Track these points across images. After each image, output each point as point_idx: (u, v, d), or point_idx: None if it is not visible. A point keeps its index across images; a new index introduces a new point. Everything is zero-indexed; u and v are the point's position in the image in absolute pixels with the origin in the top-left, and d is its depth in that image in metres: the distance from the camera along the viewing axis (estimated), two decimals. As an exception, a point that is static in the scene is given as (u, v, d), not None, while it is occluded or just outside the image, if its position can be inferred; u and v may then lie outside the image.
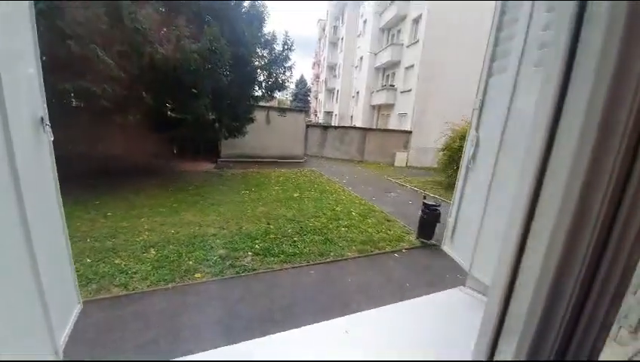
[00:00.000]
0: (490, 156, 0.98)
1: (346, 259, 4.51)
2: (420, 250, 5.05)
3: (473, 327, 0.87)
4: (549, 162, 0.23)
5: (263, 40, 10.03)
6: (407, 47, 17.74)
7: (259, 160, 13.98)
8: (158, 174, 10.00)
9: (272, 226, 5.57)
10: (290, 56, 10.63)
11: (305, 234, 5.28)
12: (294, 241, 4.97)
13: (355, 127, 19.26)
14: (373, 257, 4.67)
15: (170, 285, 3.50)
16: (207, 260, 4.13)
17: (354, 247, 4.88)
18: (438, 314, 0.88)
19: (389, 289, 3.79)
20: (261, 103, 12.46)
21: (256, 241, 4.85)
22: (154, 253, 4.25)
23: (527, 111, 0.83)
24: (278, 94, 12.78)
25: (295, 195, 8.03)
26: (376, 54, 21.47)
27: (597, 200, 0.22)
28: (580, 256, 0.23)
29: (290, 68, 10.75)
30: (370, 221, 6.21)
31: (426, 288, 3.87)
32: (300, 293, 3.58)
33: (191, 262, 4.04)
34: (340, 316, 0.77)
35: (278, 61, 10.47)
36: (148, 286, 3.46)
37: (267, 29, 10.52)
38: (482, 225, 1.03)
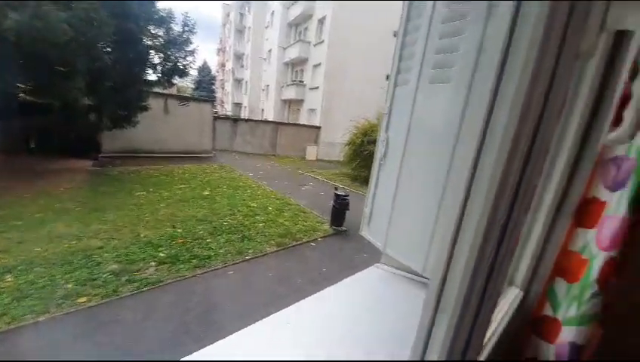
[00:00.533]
0: (398, 155, 1.15)
1: (265, 255, 4.48)
2: (333, 237, 5.45)
3: (392, 297, 1.02)
4: (478, 165, 0.30)
5: (156, 17, 8.68)
6: (315, 45, 18.44)
7: (156, 155, 12.14)
8: (6, 175, 7.52)
9: (179, 230, 5.00)
10: (192, 40, 9.59)
11: (219, 235, 4.96)
12: (208, 243, 4.61)
13: (266, 121, 18.96)
14: (291, 249, 4.78)
15: (42, 317, 2.74)
16: (95, 279, 3.40)
17: (273, 242, 4.88)
18: (363, 290, 1.01)
19: (309, 277, 3.97)
20: (157, 90, 10.83)
21: (161, 249, 4.27)
22: (12, 279, 3.23)
23: (424, 119, 1.00)
24: (177, 80, 11.35)
25: (205, 193, 7.39)
26: (285, 49, 21.51)
27: (504, 204, 0.31)
28: (490, 248, 0.33)
29: (192, 52, 9.71)
30: (286, 214, 6.30)
31: (339, 269, 4.22)
32: (220, 297, 3.37)
33: (70, 285, 3.25)
34: (265, 311, 0.79)
35: (178, 43, 9.28)
36: (8, 323, 2.62)
37: (163, 5, 9.13)
38: (393, 212, 1.20)
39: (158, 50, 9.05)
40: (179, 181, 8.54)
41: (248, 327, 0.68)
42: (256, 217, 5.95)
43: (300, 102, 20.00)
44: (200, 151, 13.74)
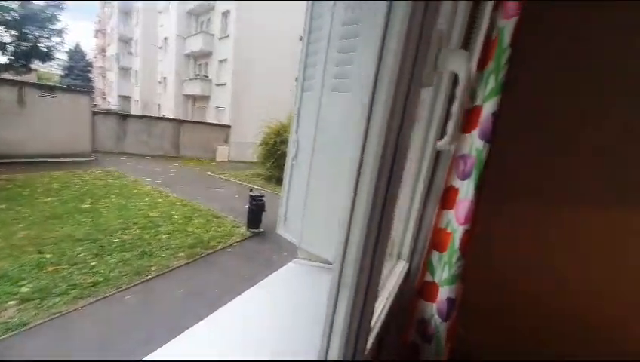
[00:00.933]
0: (308, 155, 1.23)
1: (173, 270, 4.01)
2: (250, 240, 5.31)
3: (309, 287, 1.10)
4: (362, 163, 0.38)
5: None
6: (220, 39, 17.36)
7: (8, 161, 9.14)
8: None
9: (48, 255, 3.96)
10: (59, 17, 7.64)
11: (109, 254, 4.17)
12: (92, 267, 3.82)
13: (167, 118, 16.78)
14: (205, 258, 4.43)
15: None
16: None
17: (181, 254, 4.41)
18: (281, 286, 1.05)
19: (227, 285, 3.77)
20: (8, 77, 8.16)
21: (23, 282, 3.31)
22: None
23: (328, 123, 1.11)
24: (39, 65, 8.87)
25: (85, 206, 6.06)
26: (185, 39, 19.48)
27: (380, 193, 0.39)
28: (373, 228, 0.41)
29: (59, 32, 7.73)
30: (197, 222, 5.78)
31: (259, 271, 4.16)
32: (114, 328, 2.85)
33: None
34: (175, 333, 0.73)
35: (39, 20, 7.23)
36: None
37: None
38: (306, 208, 1.28)
39: (9, 27, 6.85)
40: (44, 193, 6.72)
41: (154, 354, 0.62)
42: (159, 228, 5.25)
43: (206, 98, 18.54)
44: (74, 153, 11.11)
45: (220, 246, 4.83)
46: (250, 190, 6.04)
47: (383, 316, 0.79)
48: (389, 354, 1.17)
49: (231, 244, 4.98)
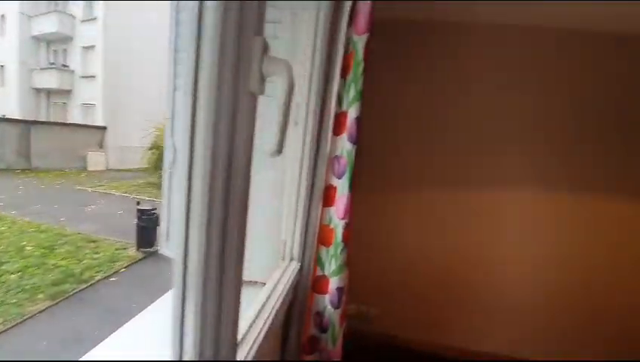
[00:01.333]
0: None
1: (31, 318, 3.06)
2: (143, 262, 4.56)
3: None
4: (193, 162, 0.36)
5: None
6: (83, 22, 14.12)
7: None
8: None
9: None
10: None
11: None
12: None
13: (7, 119, 12.58)
14: (79, 295, 3.55)
15: None
16: None
17: (41, 296, 3.41)
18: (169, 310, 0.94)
19: (113, 322, 3.11)
20: None
21: None
22: None
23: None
24: None
25: None
26: (31, 17, 15.01)
27: (218, 198, 0.38)
28: (215, 233, 0.40)
29: None
30: (62, 251, 4.57)
31: (155, 296, 3.60)
32: None
33: None
34: None
35: None
36: None
37: None
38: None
39: None
40: None
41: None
42: (3, 267, 3.93)
43: (66, 93, 14.84)
44: None
45: (99, 277, 3.95)
46: (137, 203, 5.16)
47: (271, 318, 0.80)
48: (292, 354, 1.19)
49: (115, 272, 4.15)
